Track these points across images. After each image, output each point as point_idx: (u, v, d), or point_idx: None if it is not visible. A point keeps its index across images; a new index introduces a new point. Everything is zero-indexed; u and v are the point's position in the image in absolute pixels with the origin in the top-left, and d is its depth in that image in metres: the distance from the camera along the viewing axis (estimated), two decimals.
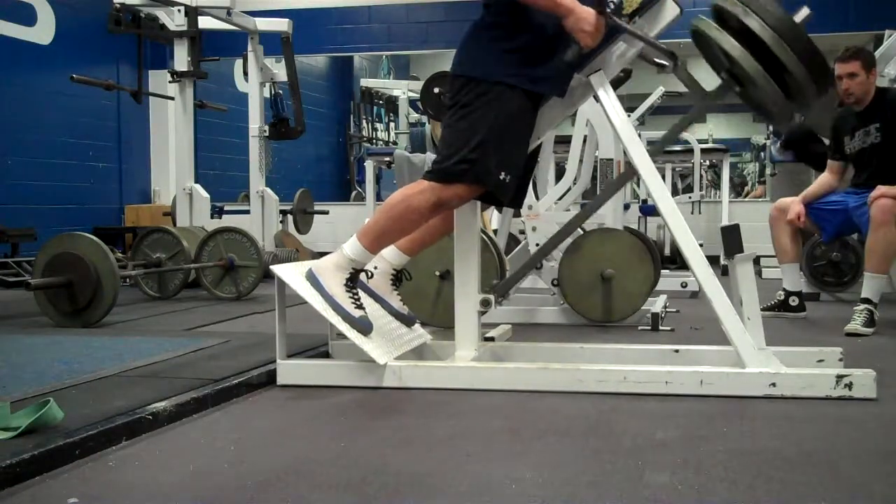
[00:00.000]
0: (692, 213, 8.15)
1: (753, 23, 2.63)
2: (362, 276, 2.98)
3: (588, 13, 2.70)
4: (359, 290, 2.90)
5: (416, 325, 3.21)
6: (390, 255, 3.08)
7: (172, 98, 6.43)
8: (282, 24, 6.62)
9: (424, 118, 10.01)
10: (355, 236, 2.87)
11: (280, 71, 6.87)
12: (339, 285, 2.84)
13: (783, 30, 2.63)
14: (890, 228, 3.98)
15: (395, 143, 12.38)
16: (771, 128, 9.31)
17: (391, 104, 13.04)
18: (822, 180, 4.57)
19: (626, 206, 7.05)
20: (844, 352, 2.94)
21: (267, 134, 6.80)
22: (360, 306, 2.85)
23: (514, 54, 2.79)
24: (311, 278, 2.86)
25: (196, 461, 2.04)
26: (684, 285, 5.46)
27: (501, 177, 2.80)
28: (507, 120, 2.80)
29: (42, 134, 7.85)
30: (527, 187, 3.28)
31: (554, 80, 2.87)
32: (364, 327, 2.82)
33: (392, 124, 13.58)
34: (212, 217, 6.74)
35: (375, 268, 3.06)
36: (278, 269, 2.85)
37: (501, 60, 2.79)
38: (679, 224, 2.77)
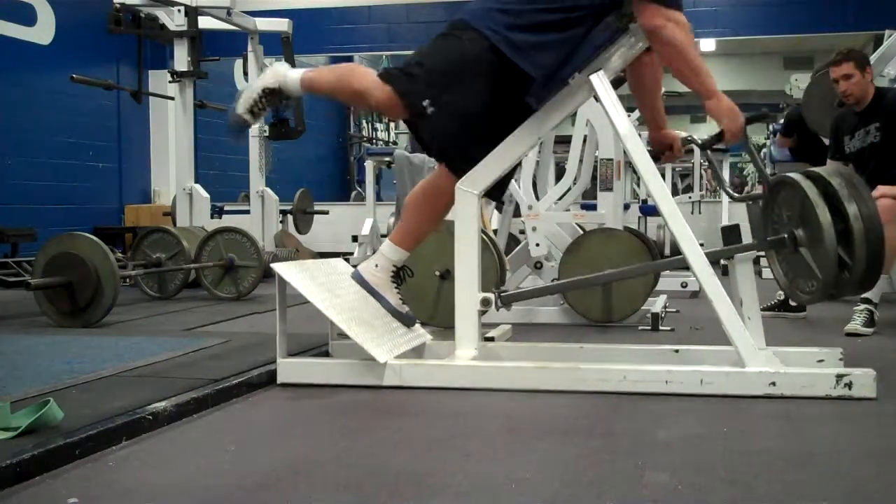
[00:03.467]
0: (692, 213, 8.15)
1: (852, 209, 2.67)
2: (364, 273, 3.06)
3: (733, 107, 2.83)
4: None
5: (417, 325, 3.21)
6: (388, 251, 3.07)
7: (172, 98, 6.44)
8: (282, 24, 6.62)
9: None
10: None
11: None
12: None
13: (869, 227, 2.68)
14: (891, 228, 3.97)
15: (395, 143, 12.39)
16: (771, 127, 9.30)
17: None
18: None
19: (626, 206, 7.05)
20: (844, 352, 2.94)
21: (267, 134, 6.81)
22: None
23: (510, 18, 2.79)
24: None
25: (196, 461, 2.04)
26: (684, 285, 5.46)
27: (425, 104, 2.78)
28: (463, 60, 2.80)
29: (42, 134, 7.86)
30: (507, 182, 3.23)
31: (538, 71, 2.83)
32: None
33: (392, 124, 13.59)
34: (212, 217, 6.74)
35: (376, 265, 3.06)
36: (279, 269, 2.85)
37: (494, 19, 2.80)
38: (679, 224, 2.77)
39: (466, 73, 2.81)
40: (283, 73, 2.95)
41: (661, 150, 3.14)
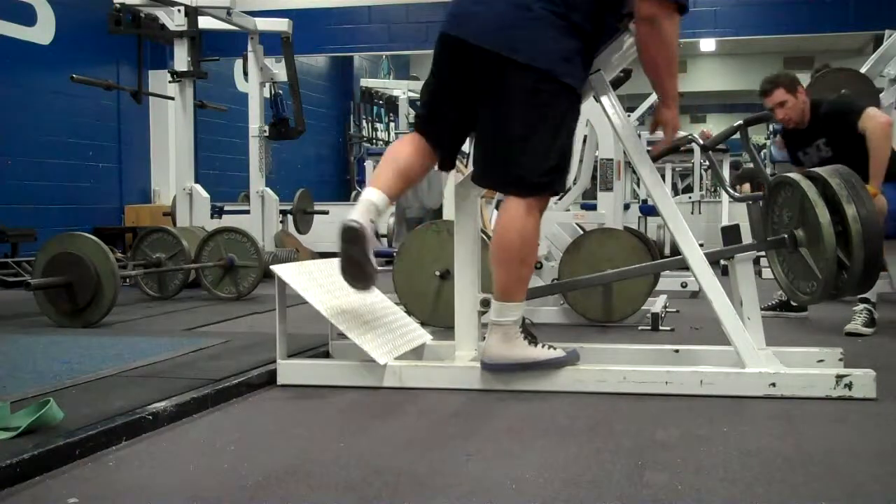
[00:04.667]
0: (692, 213, 8.15)
1: (851, 210, 2.67)
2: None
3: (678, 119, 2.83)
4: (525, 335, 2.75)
5: (417, 325, 3.21)
6: (377, 198, 2.73)
7: (172, 98, 6.44)
8: (282, 24, 6.62)
9: None
10: (496, 303, 2.70)
11: (280, 71, 6.88)
12: (523, 347, 2.69)
13: (868, 228, 2.68)
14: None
15: None
16: (771, 127, 9.30)
17: (391, 104, 13.05)
18: None
19: (626, 206, 7.05)
20: (844, 352, 2.94)
21: (267, 134, 6.81)
22: (551, 346, 2.73)
23: (577, 54, 2.65)
24: (505, 368, 2.70)
25: (196, 461, 2.04)
26: (684, 285, 5.46)
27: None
28: (574, 126, 2.75)
29: (42, 134, 7.86)
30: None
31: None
32: (572, 357, 2.73)
33: (392, 124, 13.59)
34: (212, 217, 6.74)
35: (372, 221, 2.71)
36: (279, 270, 2.85)
37: (570, 60, 2.63)
38: (679, 224, 2.77)
39: (572, 125, 2.75)
40: (505, 329, 2.68)
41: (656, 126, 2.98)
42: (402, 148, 2.85)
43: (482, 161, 2.77)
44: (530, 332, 2.79)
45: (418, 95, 8.40)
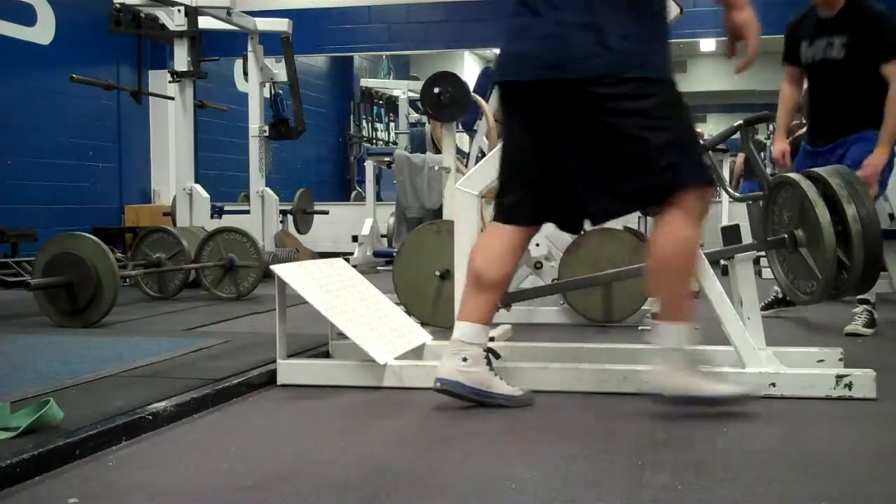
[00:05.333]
0: None
1: (851, 210, 2.67)
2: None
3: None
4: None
5: (417, 325, 3.20)
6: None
7: (172, 98, 6.44)
8: (282, 24, 6.62)
9: (424, 118, 10.01)
10: (669, 327, 2.40)
11: (280, 71, 6.88)
12: (706, 381, 2.38)
13: (867, 229, 2.68)
14: None
15: (395, 143, 12.38)
16: (771, 127, 9.30)
17: (391, 104, 13.04)
18: (783, 96, 4.10)
19: None
20: (844, 352, 2.94)
21: (267, 134, 6.81)
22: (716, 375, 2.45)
23: (667, 49, 2.44)
24: (689, 401, 2.35)
25: (196, 461, 2.04)
26: None
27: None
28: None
29: (42, 134, 7.85)
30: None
31: None
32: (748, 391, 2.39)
33: (392, 124, 13.59)
34: (212, 217, 6.73)
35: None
36: (279, 270, 2.85)
37: (661, 50, 2.41)
38: None
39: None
40: (682, 355, 2.38)
41: (733, 38, 2.44)
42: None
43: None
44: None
45: (418, 95, 8.39)
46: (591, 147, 2.36)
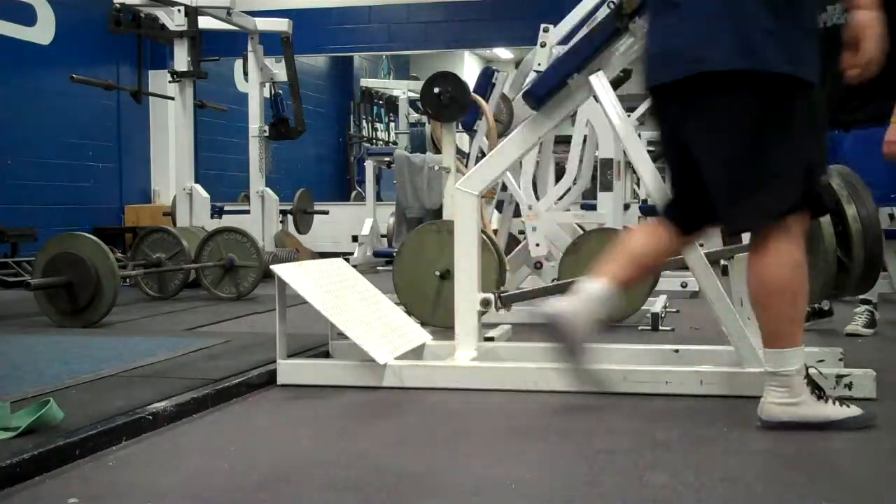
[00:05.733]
0: None
1: (851, 210, 2.68)
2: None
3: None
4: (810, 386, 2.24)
5: (417, 325, 3.20)
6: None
7: (172, 98, 6.44)
8: (282, 24, 6.62)
9: (424, 118, 10.01)
10: (768, 352, 2.24)
11: (280, 71, 6.88)
12: (813, 404, 2.22)
13: (867, 229, 2.68)
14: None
15: (395, 143, 12.39)
16: None
17: (391, 104, 13.05)
18: None
19: (626, 206, 7.05)
20: (844, 352, 2.93)
21: (267, 134, 6.81)
22: (841, 400, 2.27)
23: (813, 41, 2.14)
24: (790, 427, 2.20)
25: (196, 461, 2.04)
26: (684, 285, 5.46)
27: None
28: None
29: (42, 134, 7.85)
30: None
31: None
32: (868, 417, 2.24)
33: (392, 124, 13.60)
34: (212, 217, 6.74)
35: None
36: (279, 270, 2.85)
37: (811, 50, 2.13)
38: None
39: None
40: (787, 382, 2.20)
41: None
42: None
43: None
44: (816, 384, 2.28)
45: (418, 95, 8.39)
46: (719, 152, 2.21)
